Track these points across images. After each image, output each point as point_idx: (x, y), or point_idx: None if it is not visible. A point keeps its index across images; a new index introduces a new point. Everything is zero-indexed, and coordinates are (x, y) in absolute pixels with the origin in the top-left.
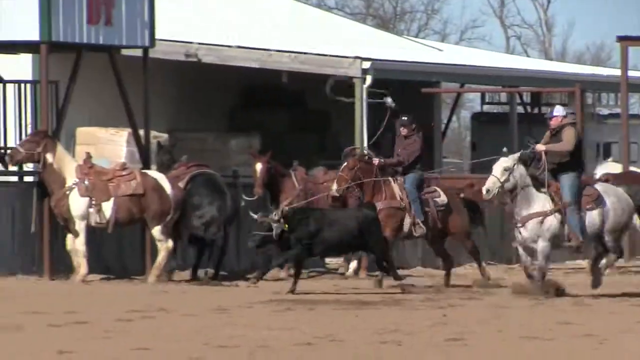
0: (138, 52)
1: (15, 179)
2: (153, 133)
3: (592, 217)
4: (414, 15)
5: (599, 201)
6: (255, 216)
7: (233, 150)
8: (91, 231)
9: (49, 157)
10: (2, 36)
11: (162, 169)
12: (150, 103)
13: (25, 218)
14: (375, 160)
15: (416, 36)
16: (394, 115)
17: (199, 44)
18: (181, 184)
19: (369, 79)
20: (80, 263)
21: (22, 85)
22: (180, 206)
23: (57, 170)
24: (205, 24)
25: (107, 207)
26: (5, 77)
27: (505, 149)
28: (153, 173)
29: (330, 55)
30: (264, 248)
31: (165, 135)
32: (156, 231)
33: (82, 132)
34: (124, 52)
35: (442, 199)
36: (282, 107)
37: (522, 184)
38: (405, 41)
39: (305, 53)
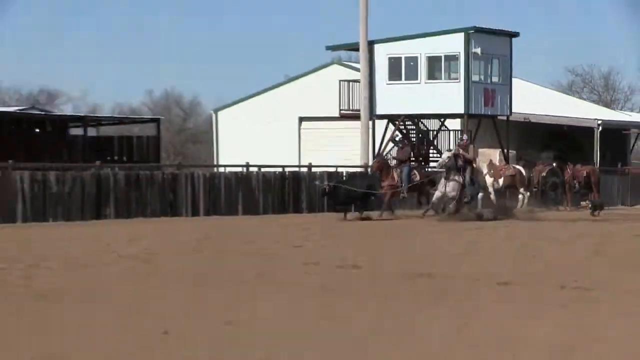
0: (504, 117)
1: None
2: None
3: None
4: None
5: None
6: (317, 182)
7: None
8: None
9: None
10: None
11: None
12: None
13: None
14: (388, 159)
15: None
16: (399, 142)
17: (529, 114)
18: None
19: (600, 127)
20: None
21: None
22: None
23: None
24: (535, 101)
25: None
26: None
27: (447, 149)
28: None
29: (581, 118)
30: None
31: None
32: None
33: None
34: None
35: (417, 178)
36: (563, 142)
37: (452, 167)
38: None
39: (571, 117)
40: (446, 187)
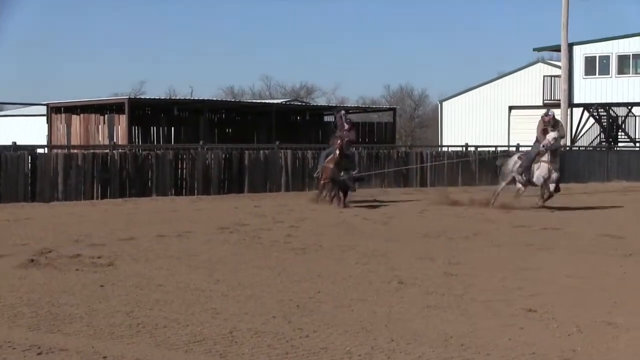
0: None
1: None
2: None
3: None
4: None
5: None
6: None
7: None
8: None
9: None
10: None
11: None
12: None
13: None
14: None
15: None
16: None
17: None
18: None
19: None
20: None
21: None
22: None
23: None
24: None
25: None
26: None
27: (551, 134)
28: None
29: None
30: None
31: None
32: None
33: None
34: None
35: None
36: None
37: (554, 148)
38: None
39: None
40: (539, 170)
